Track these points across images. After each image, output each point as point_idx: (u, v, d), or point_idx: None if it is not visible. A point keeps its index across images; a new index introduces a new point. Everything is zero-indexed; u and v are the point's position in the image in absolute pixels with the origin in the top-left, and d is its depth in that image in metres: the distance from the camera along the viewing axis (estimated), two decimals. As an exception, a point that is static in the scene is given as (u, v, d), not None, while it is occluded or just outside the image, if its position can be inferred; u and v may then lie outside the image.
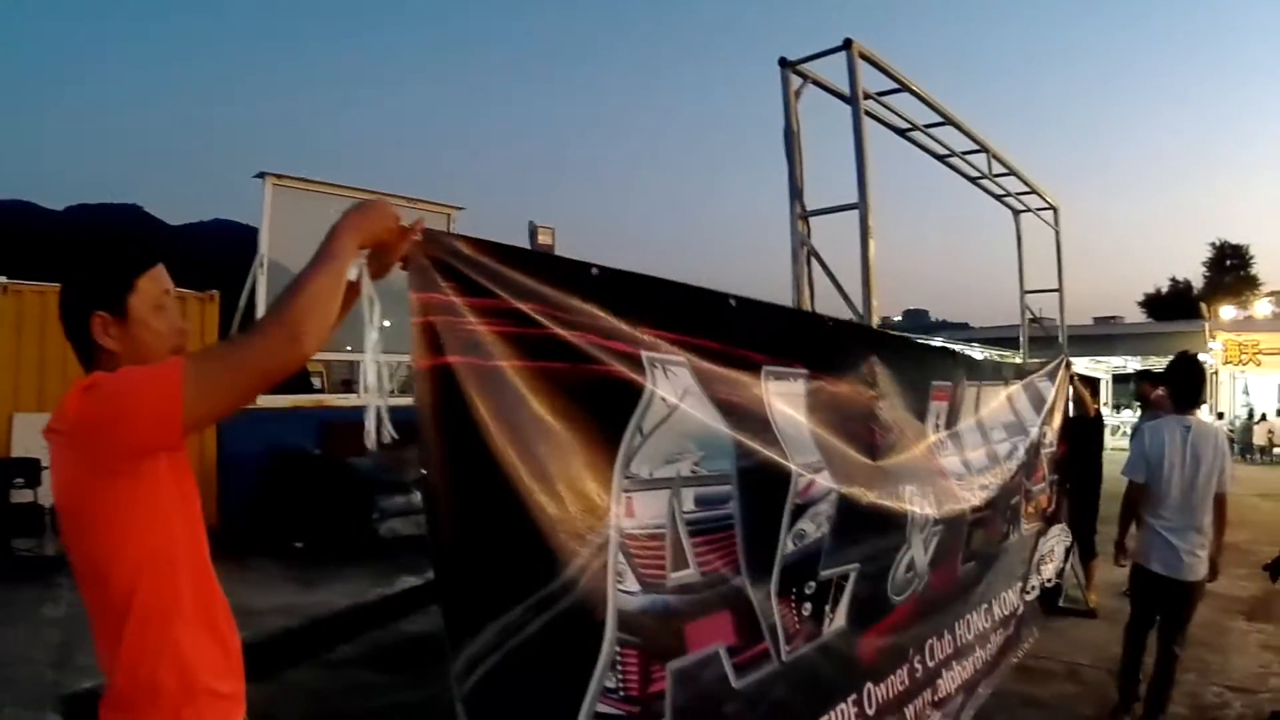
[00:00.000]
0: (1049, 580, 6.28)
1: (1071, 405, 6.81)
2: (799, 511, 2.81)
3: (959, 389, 4.68)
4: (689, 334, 2.28)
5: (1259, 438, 23.49)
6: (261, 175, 9.54)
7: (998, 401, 5.30)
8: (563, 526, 1.91)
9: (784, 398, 2.79)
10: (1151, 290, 50.66)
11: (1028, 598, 5.95)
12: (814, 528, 2.98)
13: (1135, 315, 42.55)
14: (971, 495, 4.59)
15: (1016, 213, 6.83)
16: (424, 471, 1.69)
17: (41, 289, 7.73)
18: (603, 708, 2.00)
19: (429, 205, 11.17)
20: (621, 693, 2.06)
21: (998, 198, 6.56)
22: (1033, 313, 6.93)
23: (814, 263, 4.14)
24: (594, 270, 2.08)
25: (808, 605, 3.03)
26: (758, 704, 2.60)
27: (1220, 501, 4.36)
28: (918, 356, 4.17)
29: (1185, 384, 4.46)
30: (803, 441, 2.97)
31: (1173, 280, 49.90)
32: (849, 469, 3.34)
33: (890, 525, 3.65)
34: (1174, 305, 41.03)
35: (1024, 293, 6.86)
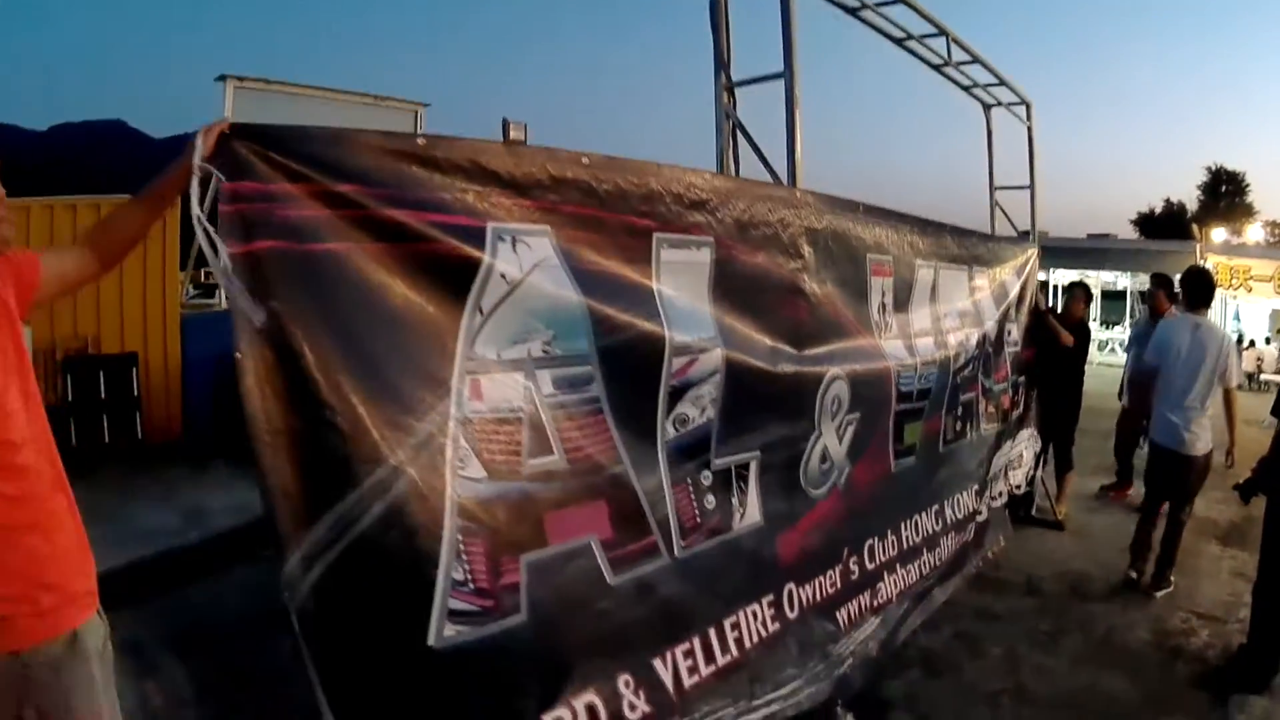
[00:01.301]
0: (1018, 487, 5.85)
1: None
2: (677, 394, 2.55)
3: (909, 265, 4.18)
4: (557, 201, 2.10)
5: (1247, 364, 23.15)
6: (222, 78, 9.10)
7: (955, 286, 4.79)
8: (387, 408, 1.81)
9: (679, 268, 2.51)
10: (1145, 210, 49.79)
11: (994, 503, 5.52)
12: (697, 412, 2.66)
13: (1128, 234, 42.05)
14: (910, 384, 4.13)
15: (987, 107, 6.30)
16: (236, 355, 1.65)
17: (72, 202, 7.31)
18: (455, 603, 1.89)
19: (394, 102, 10.62)
20: (470, 586, 1.93)
21: (965, 89, 6.03)
22: (1009, 217, 6.38)
23: (740, 138, 3.62)
24: (420, 141, 1.92)
25: (709, 497, 2.72)
26: (643, 600, 2.40)
27: (1228, 395, 4.82)
28: (853, 225, 3.66)
29: (1197, 288, 4.93)
30: (696, 316, 2.65)
31: (1166, 201, 49.01)
32: (750, 347, 2.95)
33: (794, 410, 3.24)
34: (1166, 226, 40.32)
35: (994, 189, 6.33)
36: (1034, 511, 6.17)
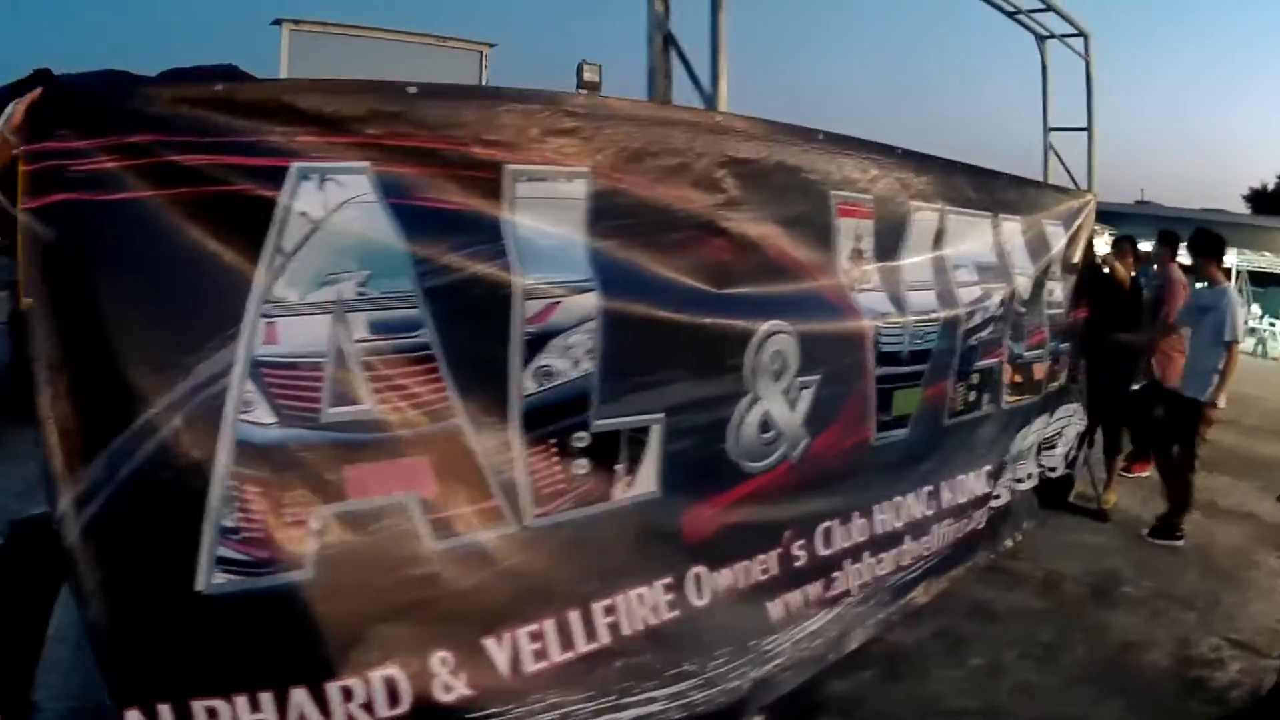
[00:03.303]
0: (1052, 469, 5.14)
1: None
2: (537, 342, 2.28)
3: (899, 207, 3.57)
4: (379, 135, 1.99)
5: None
6: (278, 22, 9.03)
7: (970, 234, 4.10)
8: (167, 350, 1.81)
9: (541, 204, 2.27)
10: (1258, 185, 45.09)
11: (1019, 486, 4.86)
12: (568, 364, 2.36)
13: (1239, 209, 38.41)
14: (897, 344, 3.54)
15: (1040, 39, 5.45)
16: (26, 300, 1.72)
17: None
18: (225, 550, 1.84)
19: (458, 43, 10.32)
20: (243, 534, 1.86)
21: (1009, 15, 5.21)
22: (1066, 166, 5.55)
23: (674, 54, 3.09)
24: (218, 88, 1.88)
25: (581, 462, 2.42)
26: (476, 570, 2.20)
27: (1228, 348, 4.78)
28: (808, 156, 3.09)
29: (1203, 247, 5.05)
30: (564, 256, 2.35)
31: (1281, 177, 43.98)
32: (647, 293, 2.53)
33: (713, 368, 2.78)
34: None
35: (1048, 130, 5.50)
36: (1074, 498, 5.43)
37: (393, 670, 2.05)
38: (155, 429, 1.79)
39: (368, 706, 2.02)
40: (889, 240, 3.50)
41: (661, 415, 2.62)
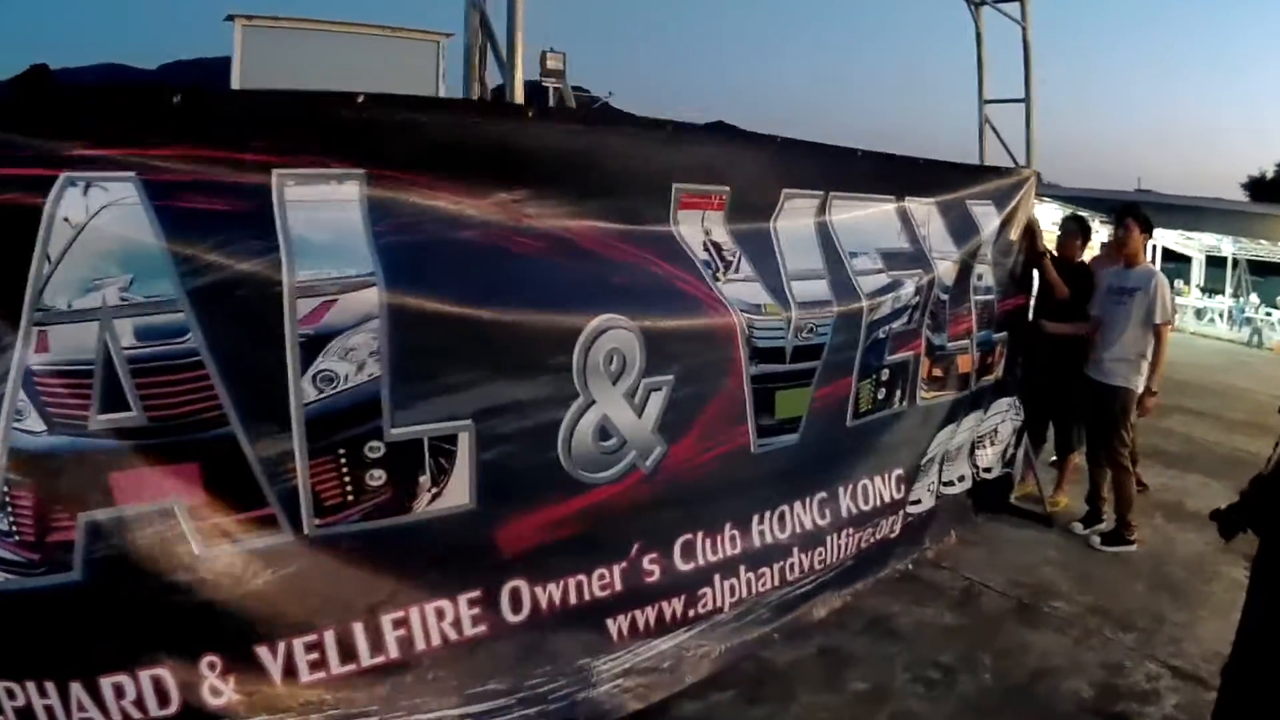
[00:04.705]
0: (987, 469, 4.81)
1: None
2: (315, 345, 2.19)
3: (768, 195, 3.30)
4: (150, 143, 1.98)
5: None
6: (230, 18, 9.11)
7: (869, 219, 3.79)
8: None
9: (317, 205, 2.22)
10: (1256, 173, 44.27)
11: (947, 490, 4.53)
12: (351, 368, 2.25)
13: (1237, 198, 37.73)
14: (777, 339, 3.24)
15: (974, 5, 5.07)
16: None
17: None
18: (2, 551, 1.91)
19: (414, 34, 10.21)
20: (16, 537, 1.92)
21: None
22: (1004, 141, 5.16)
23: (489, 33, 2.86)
24: None
25: (377, 473, 2.32)
26: (248, 578, 2.16)
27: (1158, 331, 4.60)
28: (642, 148, 2.91)
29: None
30: (341, 253, 2.24)
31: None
32: (442, 289, 2.37)
33: (529, 369, 2.58)
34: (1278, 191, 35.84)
35: (983, 103, 5.12)
36: (1015, 498, 5.09)
37: (162, 671, 2.07)
38: None
39: (139, 703, 2.05)
40: (756, 229, 3.23)
41: (469, 421, 2.44)
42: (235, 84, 8.91)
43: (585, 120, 2.90)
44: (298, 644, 2.24)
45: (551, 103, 8.99)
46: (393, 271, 2.26)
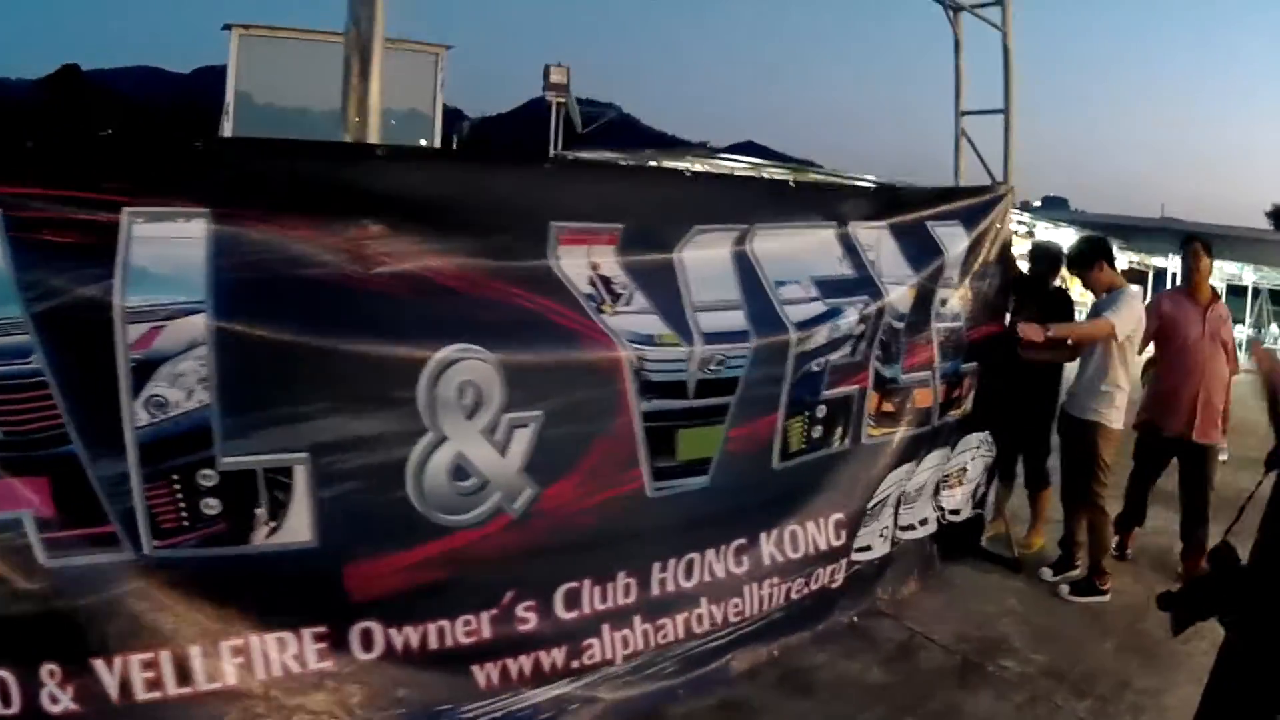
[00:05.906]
0: (955, 511, 4.48)
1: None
2: (145, 369, 2.23)
3: (669, 228, 3.10)
4: (13, 181, 2.07)
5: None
6: (228, 27, 9.39)
7: (804, 247, 3.54)
8: None
9: (164, 241, 2.27)
10: None
11: (908, 535, 4.23)
12: (181, 394, 2.27)
13: (1261, 225, 36.42)
14: (677, 373, 3.02)
15: (951, 10, 4.77)
16: None
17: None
18: None
19: (412, 45, 10.40)
20: None
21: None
22: (980, 154, 4.86)
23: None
24: None
25: (211, 501, 2.34)
26: (88, 592, 2.22)
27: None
28: (513, 185, 2.81)
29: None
30: (173, 281, 2.27)
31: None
32: (269, 317, 2.34)
33: (367, 401, 2.49)
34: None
35: (960, 114, 4.80)
36: (987, 541, 4.74)
37: (5, 675, 2.14)
38: None
39: None
40: (657, 264, 3.04)
41: (305, 455, 2.40)
42: (230, 93, 9.23)
43: (452, 158, 2.81)
44: (134, 660, 2.27)
45: (552, 117, 8.93)
46: (223, 301, 2.28)
